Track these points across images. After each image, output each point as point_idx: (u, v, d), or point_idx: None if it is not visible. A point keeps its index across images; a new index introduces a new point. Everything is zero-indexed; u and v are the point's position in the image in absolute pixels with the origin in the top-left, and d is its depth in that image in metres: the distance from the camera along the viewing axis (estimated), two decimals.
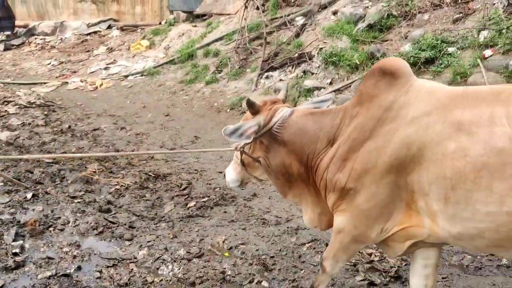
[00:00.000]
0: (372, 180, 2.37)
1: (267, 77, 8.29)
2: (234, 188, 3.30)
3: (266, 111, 2.75)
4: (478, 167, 2.10)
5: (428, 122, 2.23)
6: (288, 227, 4.28)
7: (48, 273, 3.71)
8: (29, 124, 7.43)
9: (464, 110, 2.18)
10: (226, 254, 3.92)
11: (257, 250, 3.98)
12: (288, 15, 9.89)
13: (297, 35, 9.34)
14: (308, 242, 4.05)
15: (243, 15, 9.96)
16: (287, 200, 3.26)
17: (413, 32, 8.00)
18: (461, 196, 2.16)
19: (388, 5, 8.51)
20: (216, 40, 10.47)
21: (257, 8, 10.35)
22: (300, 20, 9.72)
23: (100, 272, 3.75)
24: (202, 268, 3.75)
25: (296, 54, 8.55)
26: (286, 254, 3.91)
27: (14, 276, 3.70)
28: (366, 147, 2.38)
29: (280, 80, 7.90)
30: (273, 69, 8.43)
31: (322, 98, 3.10)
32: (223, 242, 4.08)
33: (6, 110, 8.07)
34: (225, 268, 3.72)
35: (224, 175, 3.16)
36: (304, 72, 8.10)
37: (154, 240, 4.19)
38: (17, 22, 15.16)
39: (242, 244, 4.07)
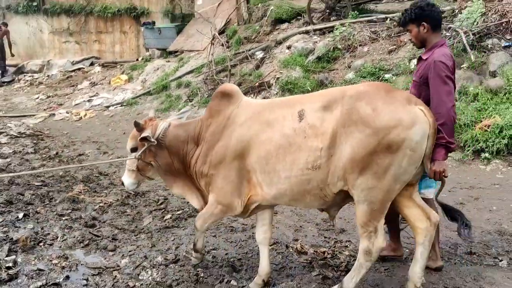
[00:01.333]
0: (224, 166, 3.15)
1: None
2: (132, 190, 4.10)
3: (149, 127, 3.39)
4: (277, 147, 2.95)
5: (250, 123, 3.10)
6: (253, 233, 4.31)
7: (39, 283, 3.65)
8: (20, 152, 7.29)
9: (269, 113, 3.07)
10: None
11: (226, 254, 4.01)
12: (249, 50, 10.07)
13: (257, 67, 9.52)
14: (271, 245, 4.10)
15: (210, 51, 10.09)
16: (173, 193, 3.88)
17: (355, 62, 8.28)
18: (271, 168, 2.99)
19: (333, 40, 8.79)
20: (187, 73, 10.54)
21: (222, 45, 10.50)
22: (259, 54, 9.92)
23: (87, 280, 3.71)
24: (178, 272, 3.75)
25: (257, 83, 8.71)
26: (252, 256, 3.96)
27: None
28: (218, 145, 3.19)
29: None
30: None
31: (183, 110, 4.03)
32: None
33: None
34: (198, 271, 3.73)
35: (122, 183, 3.67)
36: (264, 98, 8.24)
37: (135, 250, 4.17)
38: (7, 62, 14.88)
39: (213, 249, 4.10)
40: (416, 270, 3.03)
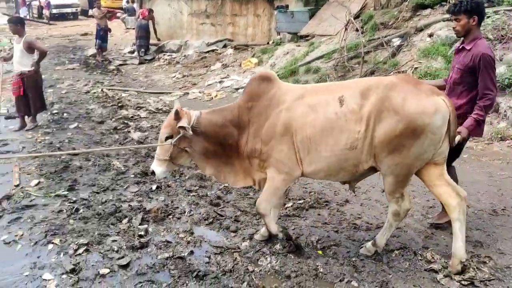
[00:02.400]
0: (276, 141, 3.46)
1: None
2: (163, 179, 4.24)
3: (184, 115, 3.58)
4: (321, 130, 3.33)
5: (295, 105, 3.43)
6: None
7: (166, 255, 3.90)
8: (156, 127, 7.88)
9: (312, 97, 3.43)
10: (320, 252, 3.86)
11: (348, 252, 3.88)
12: (385, 37, 9.58)
13: (393, 55, 9.02)
14: (397, 249, 3.87)
15: (343, 36, 9.82)
16: (206, 173, 3.90)
17: (508, 55, 7.38)
18: (313, 148, 3.38)
19: (483, 29, 7.92)
20: (317, 58, 10.40)
21: (356, 30, 10.15)
22: (396, 41, 9.38)
23: (209, 258, 3.88)
24: (297, 263, 3.73)
25: (392, 73, 8.25)
26: (375, 258, 3.77)
27: (138, 255, 3.94)
28: (267, 124, 3.50)
29: None
30: None
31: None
32: (317, 241, 4.03)
33: (138, 114, 8.63)
34: (318, 266, 3.67)
35: (153, 172, 3.75)
36: None
37: (255, 234, 4.25)
38: (150, 41, 16.19)
39: (334, 245, 3.99)
40: (458, 245, 3.40)
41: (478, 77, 3.63)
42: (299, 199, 4.97)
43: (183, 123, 3.51)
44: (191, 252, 3.96)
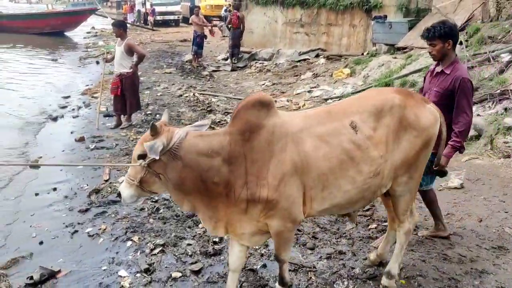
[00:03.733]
0: (285, 185, 2.82)
1: None
2: (129, 203, 3.12)
3: (165, 132, 2.84)
4: (339, 163, 2.93)
5: (303, 138, 2.88)
6: (471, 268, 3.69)
7: None
8: None
9: (320, 127, 2.96)
10: (403, 282, 3.53)
11: (435, 286, 3.50)
12: (493, 51, 8.78)
13: (501, 71, 8.21)
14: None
15: None
16: (183, 209, 3.19)
17: None
18: (331, 183, 2.95)
19: None
20: (414, 72, 9.81)
21: (460, 43, 9.44)
22: (506, 57, 8.54)
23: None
24: None
25: (498, 91, 7.52)
26: None
27: (211, 262, 3.89)
28: (273, 164, 2.81)
29: (478, 115, 7.00)
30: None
31: (201, 122, 3.17)
32: (401, 269, 3.69)
33: (225, 120, 8.73)
34: None
35: (119, 194, 2.99)
36: (506, 109, 7.05)
37: (333, 254, 4.01)
38: (242, 49, 16.48)
39: (420, 276, 3.63)
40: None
41: (456, 101, 3.67)
42: (384, 221, 4.63)
43: (155, 145, 2.75)
44: (264, 266, 3.83)
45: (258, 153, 2.81)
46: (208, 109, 9.56)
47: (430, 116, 3.16)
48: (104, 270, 3.93)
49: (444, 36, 3.69)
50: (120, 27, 8.30)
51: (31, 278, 3.82)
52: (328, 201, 3.00)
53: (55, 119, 9.68)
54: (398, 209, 3.33)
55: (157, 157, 2.75)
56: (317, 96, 10.85)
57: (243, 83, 13.39)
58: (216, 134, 2.94)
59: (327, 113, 3.06)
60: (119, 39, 8.29)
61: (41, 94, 12.13)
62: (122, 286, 3.67)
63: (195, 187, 2.86)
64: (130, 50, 8.13)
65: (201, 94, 11.13)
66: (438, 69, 3.83)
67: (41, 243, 4.50)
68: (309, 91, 11.30)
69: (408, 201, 3.32)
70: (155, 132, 2.81)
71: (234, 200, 2.85)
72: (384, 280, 3.44)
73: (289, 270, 3.73)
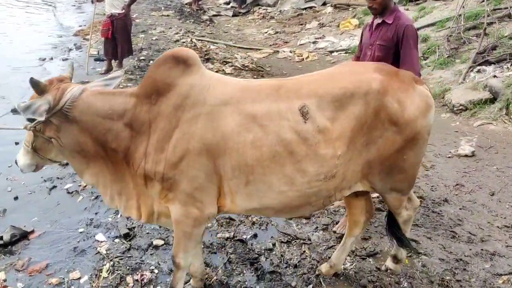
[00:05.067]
0: (188, 164, 2.27)
1: (478, 71, 6.92)
2: (28, 172, 2.60)
3: (54, 90, 2.34)
4: (271, 155, 2.28)
5: (226, 111, 2.27)
6: (482, 249, 3.38)
7: (227, 235, 3.50)
8: None
9: (255, 102, 2.30)
10: (406, 261, 3.22)
11: (441, 267, 3.20)
12: None
13: None
14: (505, 274, 3.12)
15: (462, 2, 8.53)
16: (85, 181, 2.62)
17: None
18: (257, 178, 2.32)
19: None
20: (427, 26, 9.22)
21: None
22: None
23: (273, 245, 3.41)
24: (375, 270, 3.14)
25: None
26: (476, 282, 3.06)
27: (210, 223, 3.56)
28: (176, 135, 2.28)
29: (494, 76, 6.52)
30: (487, 63, 7.01)
31: (113, 75, 2.66)
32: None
33: (223, 70, 8.24)
34: (400, 279, 3.05)
35: (16, 162, 2.55)
36: None
37: (330, 225, 3.70)
38: None
39: (425, 255, 3.32)
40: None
41: (401, 52, 3.29)
42: None
43: (34, 105, 2.26)
44: (254, 236, 3.52)
45: (163, 121, 2.30)
46: (206, 57, 9.03)
47: (419, 103, 2.44)
48: (81, 232, 3.63)
49: None
50: None
51: (1, 238, 3.52)
52: (256, 199, 2.38)
53: (43, 60, 9.17)
54: (388, 204, 2.79)
55: (41, 119, 2.27)
56: (321, 48, 10.29)
57: (245, 30, 12.74)
58: (120, 93, 2.43)
59: (274, 89, 2.36)
60: None
61: (32, 37, 11.53)
62: (99, 252, 3.37)
63: (95, 154, 2.40)
64: None
65: (199, 40, 10.54)
66: (378, 20, 3.42)
67: (16, 198, 4.19)
68: (313, 42, 10.72)
69: (398, 199, 2.71)
70: (39, 90, 2.31)
71: (135, 172, 2.39)
72: (390, 264, 3.12)
73: (281, 242, 3.44)
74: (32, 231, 3.66)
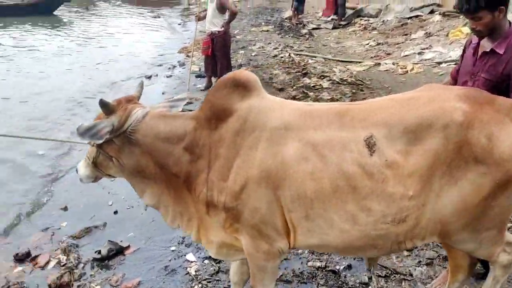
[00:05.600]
0: (249, 195, 2.15)
1: None
2: (87, 183, 2.65)
3: (121, 111, 2.36)
4: (333, 189, 2.07)
5: (286, 138, 2.13)
6: None
7: (318, 264, 3.30)
8: (337, 100, 7.20)
9: (317, 130, 2.13)
10: None
11: None
12: None
13: None
14: None
15: None
16: (145, 201, 2.56)
17: None
18: (317, 214, 2.12)
19: None
20: None
21: None
22: None
23: (369, 279, 3.14)
24: None
25: None
26: None
27: (288, 256, 3.43)
28: (236, 162, 2.18)
29: None
30: None
31: (179, 97, 2.66)
32: None
33: (320, 84, 8.06)
34: None
35: (76, 171, 2.60)
36: None
37: (436, 259, 3.33)
38: (347, 4, 15.36)
39: None
40: None
41: None
42: None
43: (98, 126, 2.29)
44: (349, 267, 3.27)
45: (224, 147, 2.21)
46: (303, 71, 8.93)
47: None
48: (173, 251, 3.68)
49: (492, 3, 2.46)
50: None
51: (99, 252, 3.69)
52: (316, 236, 2.18)
53: (149, 77, 9.74)
54: (478, 257, 2.43)
55: (99, 142, 2.33)
56: (428, 59, 9.65)
57: (345, 43, 12.45)
58: (181, 117, 2.41)
59: (338, 115, 2.15)
60: None
61: (139, 51, 12.39)
62: (188, 272, 3.37)
63: (156, 176, 2.37)
64: (222, 7, 7.71)
65: (297, 54, 10.49)
66: (486, 46, 2.63)
67: (115, 212, 4.40)
68: (419, 53, 10.10)
69: (490, 250, 2.30)
70: (107, 110, 2.35)
71: (196, 198, 2.32)
72: None
73: (379, 276, 3.16)
74: (128, 247, 3.78)
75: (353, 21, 14.76)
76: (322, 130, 2.12)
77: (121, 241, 3.84)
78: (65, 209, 4.59)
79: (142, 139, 2.34)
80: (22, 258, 3.75)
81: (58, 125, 7.18)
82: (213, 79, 8.31)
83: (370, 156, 2.04)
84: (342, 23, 14.76)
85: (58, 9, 18.23)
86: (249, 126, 2.18)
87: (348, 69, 9.25)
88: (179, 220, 2.47)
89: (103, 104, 2.34)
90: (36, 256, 3.77)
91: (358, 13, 15.06)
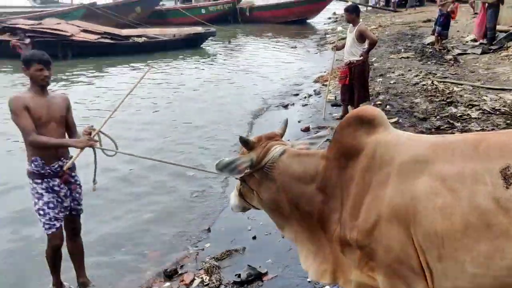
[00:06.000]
0: (381, 232, 2.04)
1: None
2: (238, 212, 2.90)
3: (260, 148, 2.51)
4: (463, 226, 1.89)
5: (414, 172, 2.01)
6: None
7: None
8: (489, 131, 6.61)
9: (446, 162, 1.99)
10: None
11: None
12: None
13: None
14: None
15: None
16: (285, 235, 2.71)
17: None
18: (448, 253, 1.94)
19: None
20: None
21: None
22: None
23: None
24: None
25: None
26: None
27: None
28: (367, 200, 2.11)
29: None
30: None
31: (319, 134, 2.79)
32: None
33: (468, 114, 7.49)
34: None
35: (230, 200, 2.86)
36: None
37: None
38: (498, 27, 14.17)
39: None
40: None
41: None
42: None
43: (236, 162, 2.47)
44: None
45: (354, 185, 2.18)
46: (448, 100, 8.40)
47: None
48: (309, 282, 3.67)
49: None
50: (353, 12, 7.89)
51: (239, 276, 3.84)
52: (450, 279, 1.96)
53: (286, 106, 10.04)
54: None
55: (238, 176, 2.56)
56: None
57: (496, 69, 11.43)
58: (313, 155, 2.46)
59: (472, 145, 1.99)
60: (350, 25, 7.93)
61: (276, 80, 12.89)
62: None
63: (291, 213, 2.46)
64: (361, 36, 7.67)
65: (441, 82, 9.92)
66: None
67: (254, 237, 4.55)
68: None
69: None
70: (247, 147, 2.54)
71: (330, 237, 2.33)
72: None
73: None
74: (266, 273, 3.89)
75: (505, 45, 13.53)
76: (453, 162, 1.98)
77: (260, 266, 3.96)
78: (209, 230, 4.89)
79: (278, 177, 2.45)
80: (170, 274, 4.07)
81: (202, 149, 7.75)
82: (350, 108, 8.25)
83: (506, 189, 1.83)
84: (493, 47, 13.60)
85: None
86: (376, 162, 2.14)
87: (500, 98, 8.45)
88: (310, 261, 2.50)
89: (243, 141, 2.54)
90: (182, 274, 4.07)
91: (511, 37, 13.77)
